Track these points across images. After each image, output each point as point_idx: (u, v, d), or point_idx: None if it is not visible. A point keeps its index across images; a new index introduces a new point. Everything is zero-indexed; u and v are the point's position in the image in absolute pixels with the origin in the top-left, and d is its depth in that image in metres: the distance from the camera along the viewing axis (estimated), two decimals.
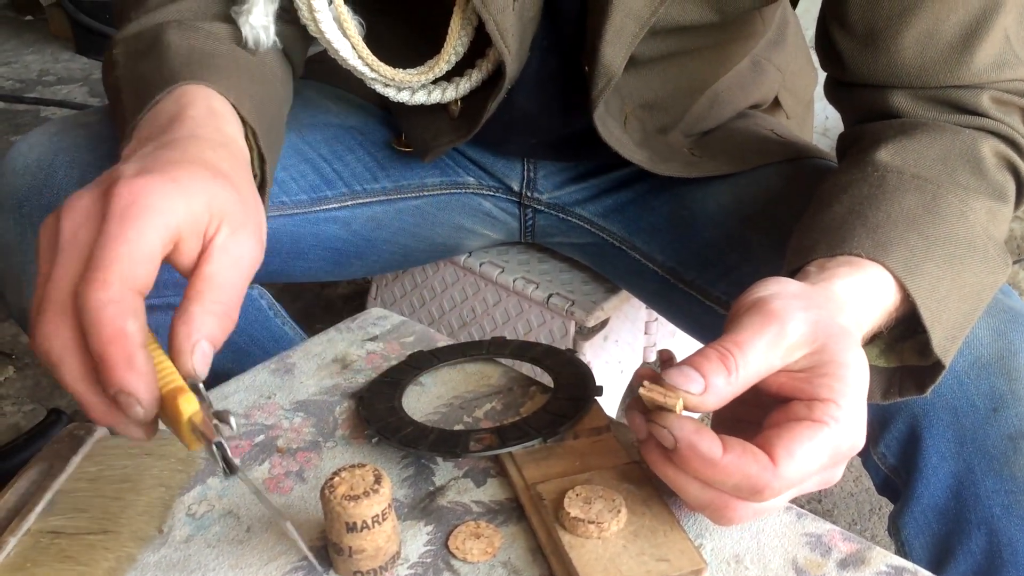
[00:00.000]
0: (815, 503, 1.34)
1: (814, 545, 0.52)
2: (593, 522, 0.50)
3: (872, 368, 0.60)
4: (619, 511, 0.51)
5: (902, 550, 0.69)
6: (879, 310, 0.56)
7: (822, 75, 0.86)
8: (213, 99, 0.59)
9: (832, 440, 0.47)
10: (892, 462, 0.68)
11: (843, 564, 0.51)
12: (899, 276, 0.56)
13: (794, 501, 0.52)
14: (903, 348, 0.59)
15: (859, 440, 0.49)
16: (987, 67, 0.65)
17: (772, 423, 0.49)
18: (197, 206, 0.49)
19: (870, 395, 0.61)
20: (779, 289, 0.51)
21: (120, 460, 0.57)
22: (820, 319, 0.50)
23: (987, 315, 0.64)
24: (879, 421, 0.67)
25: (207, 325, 0.47)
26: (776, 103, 0.95)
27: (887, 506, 1.31)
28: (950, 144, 0.65)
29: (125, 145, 0.57)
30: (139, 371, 0.44)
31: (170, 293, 0.78)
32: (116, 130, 0.69)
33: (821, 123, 1.94)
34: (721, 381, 0.48)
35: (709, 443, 0.47)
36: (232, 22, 0.69)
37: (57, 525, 0.52)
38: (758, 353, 0.48)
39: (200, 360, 0.46)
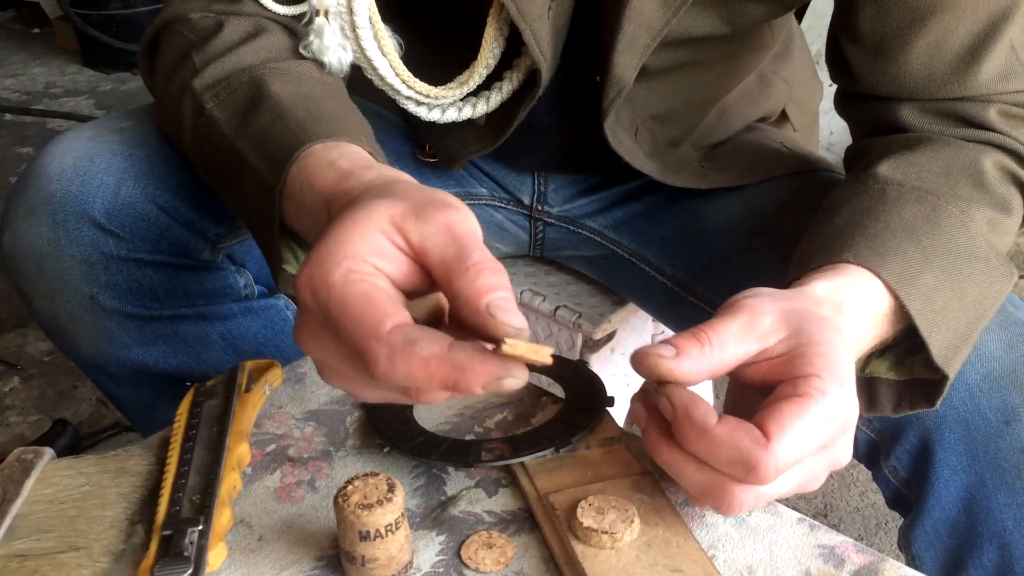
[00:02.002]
0: (821, 517, 1.34)
1: (827, 557, 0.52)
2: (606, 532, 0.50)
3: (882, 382, 0.61)
4: (632, 521, 0.51)
5: (913, 564, 0.69)
6: (871, 312, 0.57)
7: (828, 89, 0.86)
8: (353, 153, 0.57)
9: (821, 411, 0.47)
10: (903, 475, 0.68)
11: None
12: (894, 288, 0.56)
13: (804, 511, 0.52)
14: (913, 362, 0.60)
15: (851, 412, 0.49)
16: (993, 78, 0.66)
17: (762, 407, 0.49)
18: (382, 244, 0.45)
19: (881, 408, 0.61)
20: (752, 291, 0.53)
21: (76, 480, 0.57)
22: (793, 308, 0.51)
23: (999, 328, 0.64)
24: (890, 435, 0.67)
25: (485, 284, 0.44)
26: (783, 116, 0.96)
27: (894, 521, 1.31)
28: (952, 158, 0.65)
29: (296, 214, 0.56)
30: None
31: (201, 302, 0.79)
32: (210, 180, 0.68)
33: (826, 137, 1.94)
34: (694, 350, 0.49)
35: (704, 412, 0.48)
36: (302, 56, 0.69)
37: (23, 548, 0.52)
38: (731, 335, 0.50)
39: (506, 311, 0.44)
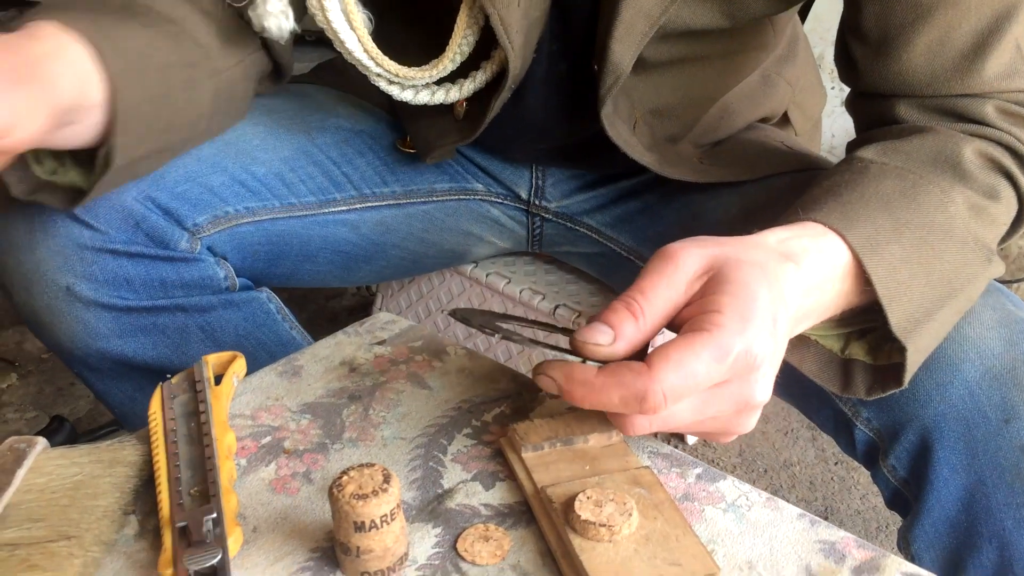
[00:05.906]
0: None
1: (828, 552, 0.51)
2: (604, 525, 0.50)
3: (858, 364, 0.61)
4: (630, 514, 0.50)
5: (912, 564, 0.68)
6: (828, 265, 0.56)
7: (831, 94, 0.86)
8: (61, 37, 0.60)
9: (712, 342, 0.47)
10: (903, 475, 0.67)
11: (857, 571, 0.50)
12: (858, 252, 0.56)
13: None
14: (892, 349, 0.60)
15: (758, 348, 0.48)
16: (996, 76, 0.66)
17: None
18: None
19: (855, 390, 0.61)
20: (684, 241, 0.53)
21: (68, 469, 0.56)
22: (719, 252, 0.51)
23: (999, 326, 0.64)
24: (889, 434, 0.67)
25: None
26: (785, 118, 0.96)
27: (894, 524, 1.30)
28: (940, 144, 0.65)
29: None
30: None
31: (179, 294, 0.79)
32: None
33: (827, 140, 1.94)
34: (630, 329, 0.50)
35: (582, 370, 0.50)
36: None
37: (13, 537, 0.51)
38: (659, 292, 0.50)
39: None
